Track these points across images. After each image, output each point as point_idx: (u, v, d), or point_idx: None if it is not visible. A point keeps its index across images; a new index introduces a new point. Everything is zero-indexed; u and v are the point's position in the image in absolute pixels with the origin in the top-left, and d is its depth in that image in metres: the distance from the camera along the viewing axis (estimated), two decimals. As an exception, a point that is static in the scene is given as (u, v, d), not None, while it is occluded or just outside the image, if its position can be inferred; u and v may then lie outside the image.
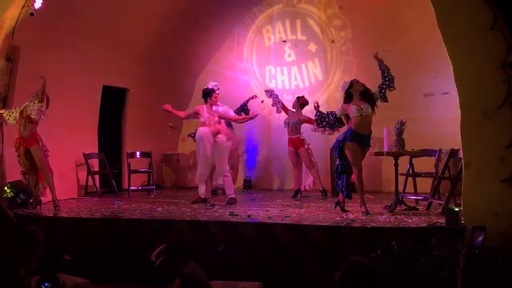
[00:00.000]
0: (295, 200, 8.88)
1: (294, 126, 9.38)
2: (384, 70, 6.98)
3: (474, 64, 5.51)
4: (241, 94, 10.81)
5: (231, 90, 11.03)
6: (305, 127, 9.39)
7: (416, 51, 9.53)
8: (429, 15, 6.00)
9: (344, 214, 6.88)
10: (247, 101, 9.97)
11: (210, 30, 11.17)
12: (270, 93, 9.95)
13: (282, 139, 9.75)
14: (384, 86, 6.96)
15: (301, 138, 9.35)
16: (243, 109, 9.83)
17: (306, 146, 9.31)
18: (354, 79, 7.11)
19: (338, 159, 7.05)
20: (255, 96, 10.22)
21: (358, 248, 5.14)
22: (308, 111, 9.63)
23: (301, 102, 9.56)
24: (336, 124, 7.29)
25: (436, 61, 8.60)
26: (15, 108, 7.85)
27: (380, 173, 9.95)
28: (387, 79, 6.95)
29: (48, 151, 7.85)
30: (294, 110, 9.58)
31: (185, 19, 10.72)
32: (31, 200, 8.00)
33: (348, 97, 6.95)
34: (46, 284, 3.54)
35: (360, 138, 6.78)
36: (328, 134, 8.94)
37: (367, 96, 6.85)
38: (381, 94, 6.96)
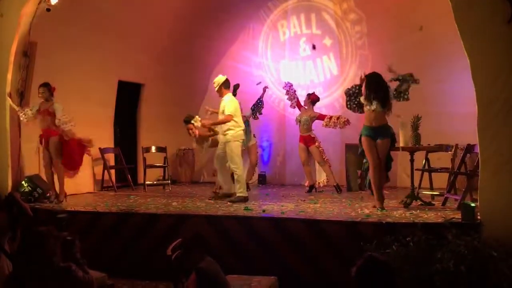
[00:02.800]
0: (310, 195, 8.87)
1: (305, 123, 9.35)
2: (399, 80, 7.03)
3: (491, 59, 5.44)
4: (255, 89, 10.81)
5: (246, 84, 11.04)
6: (315, 124, 9.40)
7: (432, 45, 9.46)
8: (445, 9, 5.94)
9: (359, 209, 6.87)
10: (262, 95, 9.96)
11: (225, 25, 11.17)
12: (288, 86, 9.88)
13: (297, 135, 9.73)
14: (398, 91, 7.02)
15: (312, 136, 9.34)
16: (258, 104, 9.84)
17: (317, 143, 9.29)
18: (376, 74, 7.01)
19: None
20: (267, 87, 10.18)
21: (374, 244, 5.12)
22: (317, 107, 9.67)
23: (312, 98, 9.53)
24: (358, 109, 7.20)
25: (452, 56, 8.51)
26: (28, 107, 7.90)
27: (395, 168, 9.89)
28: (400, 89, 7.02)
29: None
30: (306, 107, 9.54)
31: (200, 15, 10.74)
32: (49, 194, 8.08)
33: None
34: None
35: (370, 131, 6.76)
36: (340, 127, 9.00)
37: (380, 93, 6.79)
38: (395, 94, 6.95)
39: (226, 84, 8.11)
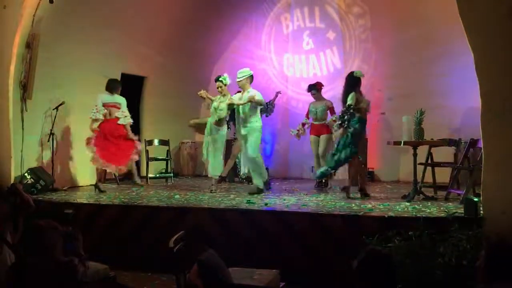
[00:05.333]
0: (312, 190, 8.73)
1: (323, 112, 9.03)
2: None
3: (496, 52, 5.40)
4: (258, 82, 10.76)
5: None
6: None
7: (436, 38, 9.42)
8: (449, 2, 5.90)
9: (361, 203, 6.87)
10: (274, 99, 9.78)
11: (228, 17, 11.14)
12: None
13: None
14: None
15: (326, 124, 9.00)
16: (268, 107, 9.56)
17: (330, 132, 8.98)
18: None
19: None
20: (279, 93, 10.08)
21: (376, 237, 5.11)
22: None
23: (319, 88, 9.27)
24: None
25: (456, 49, 8.47)
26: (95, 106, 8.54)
27: (398, 162, 9.90)
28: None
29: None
30: (316, 99, 9.21)
31: (203, 7, 10.70)
32: (51, 187, 8.11)
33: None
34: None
35: None
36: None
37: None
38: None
39: (252, 78, 8.27)
